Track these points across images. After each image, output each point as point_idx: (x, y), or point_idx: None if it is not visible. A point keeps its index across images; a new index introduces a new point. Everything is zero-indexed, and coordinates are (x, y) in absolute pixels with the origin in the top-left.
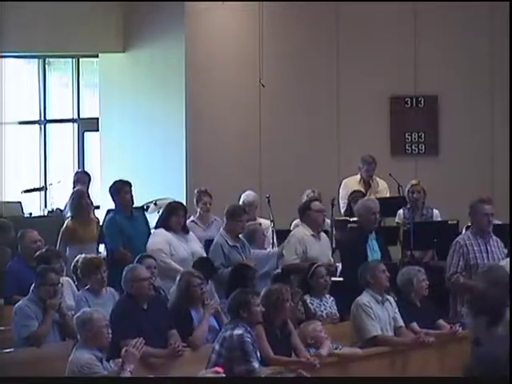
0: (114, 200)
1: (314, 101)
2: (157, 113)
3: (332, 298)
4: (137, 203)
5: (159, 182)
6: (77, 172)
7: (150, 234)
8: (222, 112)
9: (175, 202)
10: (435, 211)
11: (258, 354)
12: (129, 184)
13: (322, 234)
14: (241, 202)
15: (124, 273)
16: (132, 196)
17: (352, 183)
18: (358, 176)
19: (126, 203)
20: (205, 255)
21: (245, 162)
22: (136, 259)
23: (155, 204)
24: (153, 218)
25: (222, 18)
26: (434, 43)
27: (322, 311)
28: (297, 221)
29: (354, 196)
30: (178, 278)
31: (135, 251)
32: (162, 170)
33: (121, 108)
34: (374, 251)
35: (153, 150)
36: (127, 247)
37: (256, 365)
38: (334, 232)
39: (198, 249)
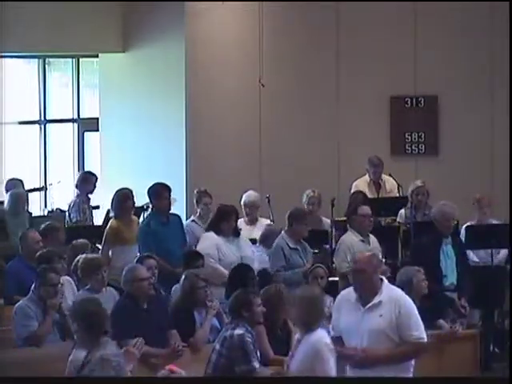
0: (151, 202)
1: (314, 101)
2: (157, 113)
3: (331, 299)
4: (137, 203)
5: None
6: (83, 172)
7: (185, 239)
8: (221, 112)
9: (226, 205)
10: None
11: (259, 354)
12: (168, 189)
13: (372, 238)
14: (242, 202)
15: (124, 273)
16: (170, 202)
17: (362, 185)
18: (367, 177)
19: (163, 208)
20: (255, 259)
21: (245, 162)
22: (136, 259)
23: None
24: None
25: (221, 17)
26: (434, 43)
27: None
28: None
29: (356, 197)
30: (182, 278)
31: (169, 256)
32: (162, 169)
33: (121, 108)
34: (447, 256)
35: (153, 150)
36: (161, 252)
37: (256, 365)
38: (334, 232)
39: (249, 253)
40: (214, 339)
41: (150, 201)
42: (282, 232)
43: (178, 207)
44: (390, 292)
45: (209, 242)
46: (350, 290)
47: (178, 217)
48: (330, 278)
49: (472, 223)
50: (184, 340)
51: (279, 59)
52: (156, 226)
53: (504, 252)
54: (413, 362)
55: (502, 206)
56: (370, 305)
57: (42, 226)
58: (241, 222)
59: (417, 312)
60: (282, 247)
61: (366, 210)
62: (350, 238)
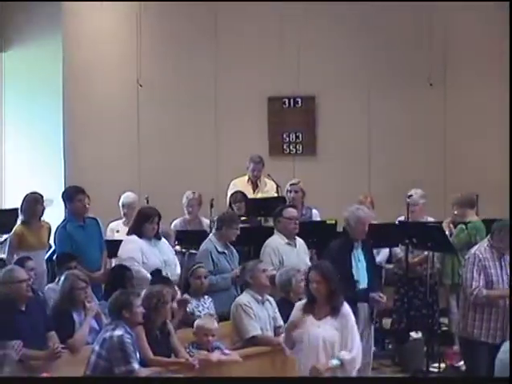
0: (65, 206)
1: (193, 101)
2: (35, 113)
3: (210, 299)
4: (16, 205)
5: (38, 183)
6: None
7: (102, 242)
8: (99, 112)
9: (149, 207)
10: (314, 211)
11: (138, 355)
12: (82, 191)
13: (299, 240)
14: (120, 203)
15: (2, 274)
16: (85, 204)
17: (240, 184)
18: (246, 177)
19: (79, 211)
20: (177, 263)
21: (123, 163)
22: (14, 261)
23: None
24: None
25: (100, 18)
26: (312, 44)
27: (201, 312)
28: (176, 221)
29: (235, 197)
30: (62, 279)
31: (86, 260)
32: (41, 171)
33: (0, 109)
34: (358, 261)
35: (32, 152)
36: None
37: (136, 366)
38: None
39: (171, 256)
40: (94, 340)
41: (65, 204)
42: (211, 235)
43: (56, 209)
44: None
45: (133, 246)
46: None
47: (96, 220)
48: None
49: None
50: (63, 341)
51: (158, 60)
52: (72, 228)
53: (385, 252)
54: None
55: (381, 206)
56: None
57: None
58: (118, 224)
59: None
60: (210, 251)
61: (291, 212)
62: (276, 240)
